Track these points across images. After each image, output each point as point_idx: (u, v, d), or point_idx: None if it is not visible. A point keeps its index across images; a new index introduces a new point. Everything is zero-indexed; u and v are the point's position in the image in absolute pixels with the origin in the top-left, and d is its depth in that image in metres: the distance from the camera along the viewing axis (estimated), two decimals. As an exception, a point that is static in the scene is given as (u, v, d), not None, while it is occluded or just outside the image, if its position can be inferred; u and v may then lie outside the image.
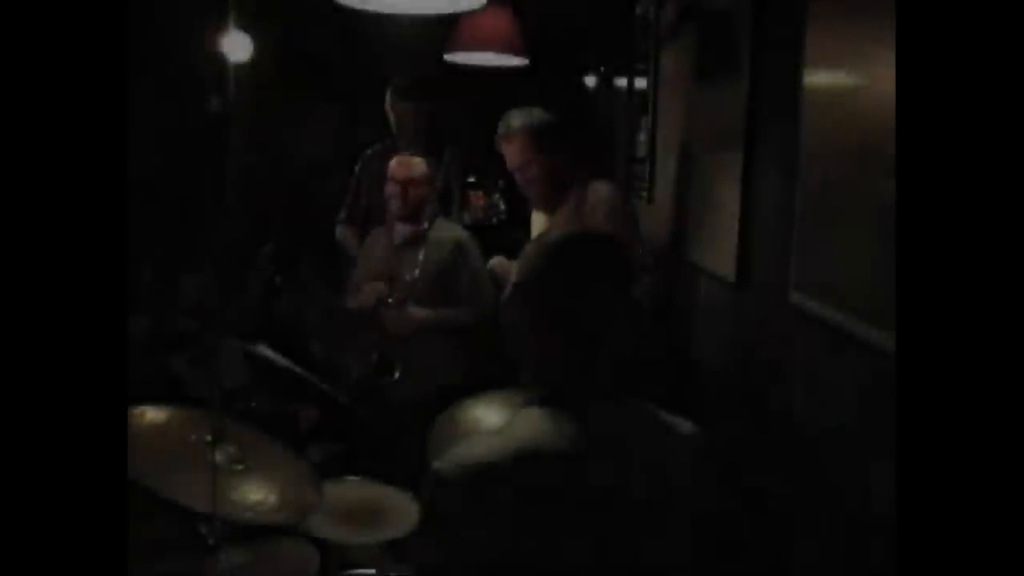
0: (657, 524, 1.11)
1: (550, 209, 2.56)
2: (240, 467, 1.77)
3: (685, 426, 1.19)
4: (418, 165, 2.78)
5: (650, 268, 2.40)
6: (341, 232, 3.46)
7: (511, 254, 2.58)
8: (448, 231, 2.84)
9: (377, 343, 2.74)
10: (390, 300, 2.73)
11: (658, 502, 1.12)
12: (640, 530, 1.09)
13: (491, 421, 2.00)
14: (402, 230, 2.82)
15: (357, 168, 3.47)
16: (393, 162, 2.82)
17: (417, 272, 2.75)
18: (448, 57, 3.41)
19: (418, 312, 2.74)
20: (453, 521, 1.04)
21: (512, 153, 2.51)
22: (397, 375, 2.70)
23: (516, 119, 2.52)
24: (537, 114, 2.53)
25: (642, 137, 3.51)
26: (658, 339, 2.62)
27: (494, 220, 3.00)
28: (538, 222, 2.69)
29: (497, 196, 3.01)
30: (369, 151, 3.45)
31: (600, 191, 2.46)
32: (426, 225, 2.80)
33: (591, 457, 1.07)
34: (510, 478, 1.02)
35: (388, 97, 3.33)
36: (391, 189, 2.79)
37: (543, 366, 1.16)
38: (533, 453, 1.04)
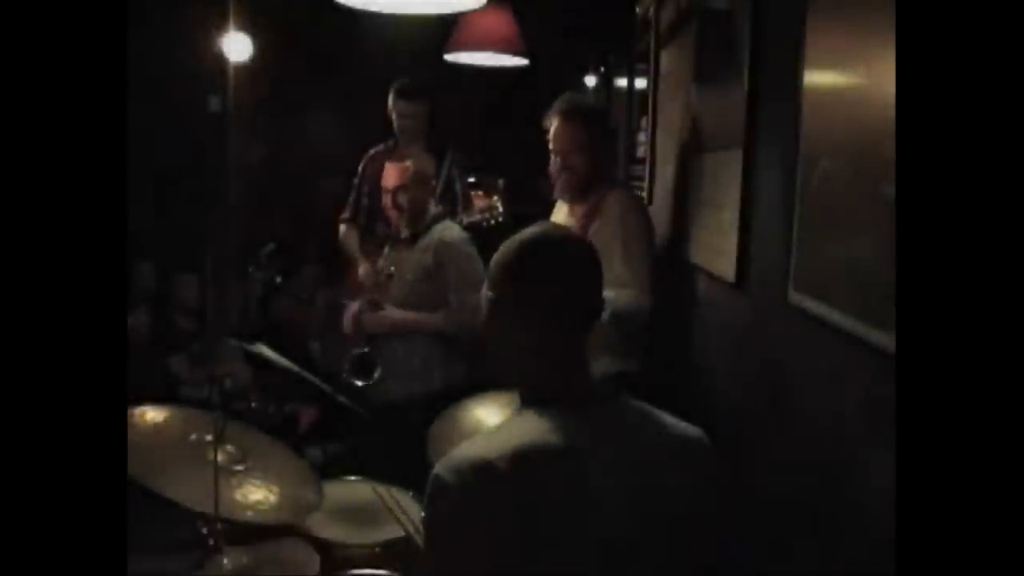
0: (659, 527, 1.11)
1: (571, 201, 2.55)
2: (240, 467, 1.77)
3: (690, 429, 1.19)
4: (405, 169, 2.77)
5: (628, 284, 2.29)
6: (344, 232, 3.47)
7: None
8: (439, 232, 2.79)
9: (362, 343, 2.73)
10: (365, 300, 2.73)
11: (661, 505, 1.11)
12: (642, 532, 1.09)
13: (493, 421, 2.00)
14: (402, 232, 2.82)
15: (360, 168, 3.48)
16: (384, 171, 2.83)
17: (380, 268, 2.76)
18: (448, 57, 3.41)
19: (392, 314, 2.74)
20: (452, 522, 1.02)
21: (561, 131, 2.49)
22: (376, 376, 2.68)
23: (577, 100, 2.54)
24: (595, 104, 2.55)
25: (642, 137, 3.51)
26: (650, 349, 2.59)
27: (491, 221, 2.99)
28: (559, 216, 2.67)
29: (496, 198, 3.00)
30: (372, 151, 3.46)
31: (619, 199, 2.47)
32: (407, 227, 2.79)
33: (590, 458, 1.06)
34: (508, 477, 1.01)
35: (390, 98, 3.34)
36: (384, 200, 2.79)
37: (530, 369, 1.15)
38: (530, 452, 1.04)
